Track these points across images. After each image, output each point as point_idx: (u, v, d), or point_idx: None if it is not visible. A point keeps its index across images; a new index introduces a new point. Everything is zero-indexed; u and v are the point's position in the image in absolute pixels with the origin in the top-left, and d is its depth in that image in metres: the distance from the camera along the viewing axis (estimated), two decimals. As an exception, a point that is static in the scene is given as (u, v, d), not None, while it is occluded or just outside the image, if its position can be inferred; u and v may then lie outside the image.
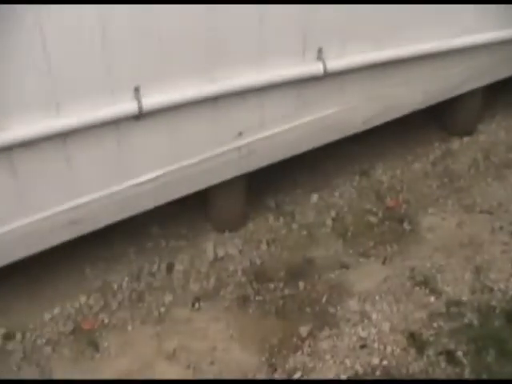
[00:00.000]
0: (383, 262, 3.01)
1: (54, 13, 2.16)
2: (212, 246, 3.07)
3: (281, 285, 2.90)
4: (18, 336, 2.67)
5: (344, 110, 3.12)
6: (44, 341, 2.65)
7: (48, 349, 2.62)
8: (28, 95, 2.26)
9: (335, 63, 2.89)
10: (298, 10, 2.68)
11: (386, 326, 2.71)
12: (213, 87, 2.63)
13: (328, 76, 2.90)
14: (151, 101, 2.50)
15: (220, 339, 2.67)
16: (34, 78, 2.24)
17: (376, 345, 2.64)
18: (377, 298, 2.82)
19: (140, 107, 2.47)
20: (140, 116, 2.51)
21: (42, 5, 2.12)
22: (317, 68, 2.84)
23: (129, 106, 2.48)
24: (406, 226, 3.22)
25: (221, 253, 3.04)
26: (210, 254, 3.03)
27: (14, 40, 2.14)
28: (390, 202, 3.39)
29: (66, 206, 2.57)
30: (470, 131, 3.86)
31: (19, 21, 2.11)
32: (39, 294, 2.82)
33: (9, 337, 2.67)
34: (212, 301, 2.84)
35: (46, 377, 2.51)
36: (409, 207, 3.34)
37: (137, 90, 2.46)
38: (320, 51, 2.84)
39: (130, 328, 2.70)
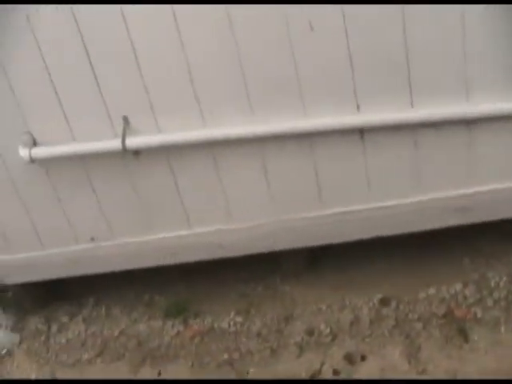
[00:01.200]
0: None
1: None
2: None
3: None
4: (393, 304, 2.81)
5: None
6: (416, 316, 2.73)
7: (419, 325, 2.69)
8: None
9: None
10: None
11: None
12: None
13: None
14: None
15: None
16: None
17: None
18: None
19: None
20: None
21: None
22: None
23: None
24: None
25: None
26: None
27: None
28: None
29: (459, 192, 2.59)
30: None
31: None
32: (416, 272, 2.92)
33: (384, 303, 2.83)
34: None
35: (414, 350, 2.59)
36: None
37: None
38: None
39: (502, 329, 2.61)
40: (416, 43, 2.29)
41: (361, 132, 2.50)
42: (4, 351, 3.11)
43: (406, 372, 2.53)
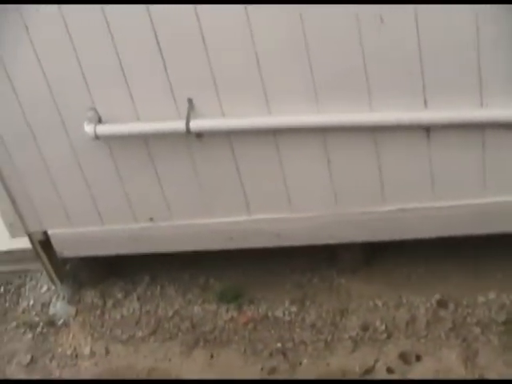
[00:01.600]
0: None
1: None
2: None
3: None
4: (451, 307, 2.76)
5: None
6: (474, 321, 2.68)
7: (477, 330, 2.64)
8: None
9: None
10: None
11: None
12: None
13: None
14: None
15: None
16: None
17: None
18: None
19: None
20: None
21: None
22: None
23: None
24: None
25: None
26: None
27: None
28: None
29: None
30: None
31: None
32: (476, 275, 2.85)
33: (442, 304, 2.78)
34: None
35: (472, 354, 2.54)
36: None
37: None
38: None
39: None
40: (488, 43, 2.20)
41: (427, 130, 2.45)
42: (61, 322, 3.19)
43: (462, 376, 2.50)
